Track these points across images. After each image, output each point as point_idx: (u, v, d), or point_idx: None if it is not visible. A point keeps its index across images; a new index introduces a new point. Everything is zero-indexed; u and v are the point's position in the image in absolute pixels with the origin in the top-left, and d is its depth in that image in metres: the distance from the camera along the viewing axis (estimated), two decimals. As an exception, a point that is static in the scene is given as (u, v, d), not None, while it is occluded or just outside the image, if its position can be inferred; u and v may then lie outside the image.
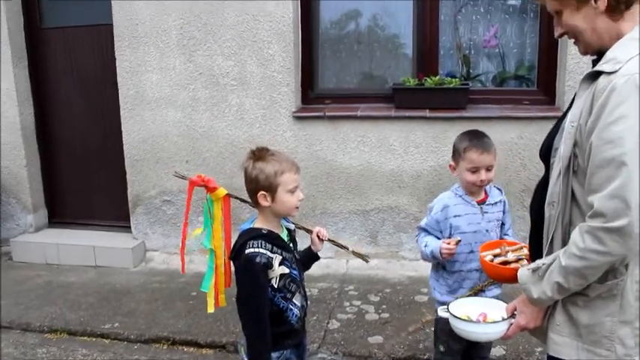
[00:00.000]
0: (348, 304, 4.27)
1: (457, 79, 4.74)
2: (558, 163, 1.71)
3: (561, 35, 1.80)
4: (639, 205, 1.48)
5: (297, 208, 2.30)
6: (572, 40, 1.79)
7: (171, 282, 4.80)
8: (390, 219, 4.85)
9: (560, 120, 1.80)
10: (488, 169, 2.64)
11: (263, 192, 2.22)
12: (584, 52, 1.78)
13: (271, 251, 2.21)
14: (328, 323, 3.98)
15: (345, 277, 4.70)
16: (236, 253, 2.26)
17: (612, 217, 1.51)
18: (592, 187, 1.58)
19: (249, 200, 2.34)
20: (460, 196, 2.72)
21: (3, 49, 5.29)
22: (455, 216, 2.69)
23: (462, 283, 2.73)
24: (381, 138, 4.73)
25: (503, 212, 2.81)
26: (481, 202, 2.73)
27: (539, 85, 4.81)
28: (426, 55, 4.87)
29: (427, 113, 4.62)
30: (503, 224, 2.82)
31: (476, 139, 2.66)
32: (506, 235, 2.82)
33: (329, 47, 5.10)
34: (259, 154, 2.26)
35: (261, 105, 4.85)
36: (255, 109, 4.87)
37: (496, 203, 2.77)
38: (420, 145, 4.68)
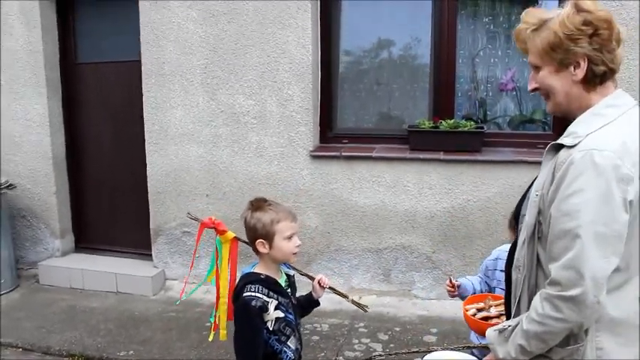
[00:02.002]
0: (356, 341, 4.33)
1: (472, 122, 4.79)
2: (524, 230, 1.78)
3: (534, 90, 1.84)
4: (594, 275, 1.56)
5: (294, 254, 2.40)
6: (543, 97, 1.83)
7: (187, 311, 4.92)
8: (403, 258, 4.90)
9: (529, 187, 1.87)
10: None
11: (261, 240, 2.34)
12: (552, 112, 1.84)
13: (267, 295, 2.32)
14: (335, 361, 4.06)
15: (357, 314, 4.74)
16: (235, 296, 2.38)
17: (567, 287, 1.59)
18: (552, 255, 1.65)
19: None
20: None
21: (39, 83, 5.57)
22: (501, 271, 2.65)
23: None
24: (396, 179, 4.81)
25: None
26: None
27: (554, 129, 4.83)
28: (443, 97, 4.94)
29: (442, 155, 4.69)
30: None
31: None
32: None
33: (348, 88, 5.23)
34: (257, 204, 2.38)
35: (279, 143, 4.99)
36: (273, 147, 5.01)
37: None
38: (434, 186, 4.74)
